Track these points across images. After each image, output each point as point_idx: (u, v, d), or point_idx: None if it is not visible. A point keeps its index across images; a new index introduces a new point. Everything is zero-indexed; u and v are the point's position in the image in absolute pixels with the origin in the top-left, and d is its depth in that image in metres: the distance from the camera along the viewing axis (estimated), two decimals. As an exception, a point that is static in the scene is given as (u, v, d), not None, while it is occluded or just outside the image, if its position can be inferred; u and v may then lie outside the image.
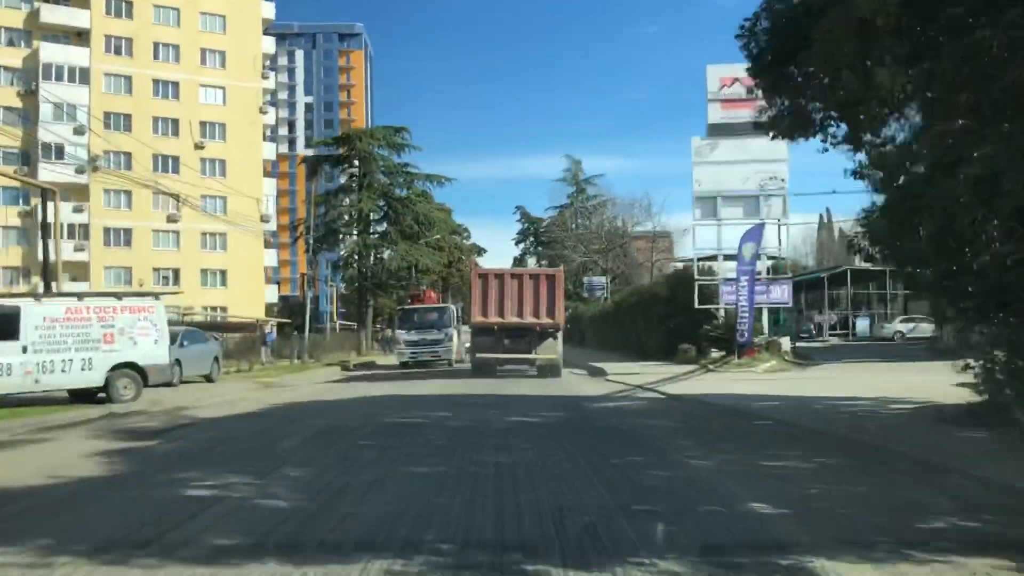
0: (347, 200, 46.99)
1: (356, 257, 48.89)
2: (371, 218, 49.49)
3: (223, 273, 67.01)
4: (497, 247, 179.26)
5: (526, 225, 78.77)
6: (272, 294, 69.63)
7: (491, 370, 24.63)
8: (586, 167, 71.38)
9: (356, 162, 48.37)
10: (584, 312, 57.94)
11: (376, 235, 49.14)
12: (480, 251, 73.34)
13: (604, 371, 24.95)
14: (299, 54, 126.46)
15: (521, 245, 79.32)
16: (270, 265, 69.51)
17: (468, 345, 40.89)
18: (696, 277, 28.55)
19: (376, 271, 48.98)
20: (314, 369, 33.00)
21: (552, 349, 23.95)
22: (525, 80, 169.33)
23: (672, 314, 29.25)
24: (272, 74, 71.91)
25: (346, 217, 48.18)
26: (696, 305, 28.21)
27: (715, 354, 26.37)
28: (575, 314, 64.17)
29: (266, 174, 70.43)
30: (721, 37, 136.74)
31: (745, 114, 28.81)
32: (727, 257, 28.48)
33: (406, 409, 14.70)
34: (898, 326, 46.06)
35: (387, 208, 48.42)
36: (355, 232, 48.38)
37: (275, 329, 45.10)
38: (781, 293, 28.28)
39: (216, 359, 24.33)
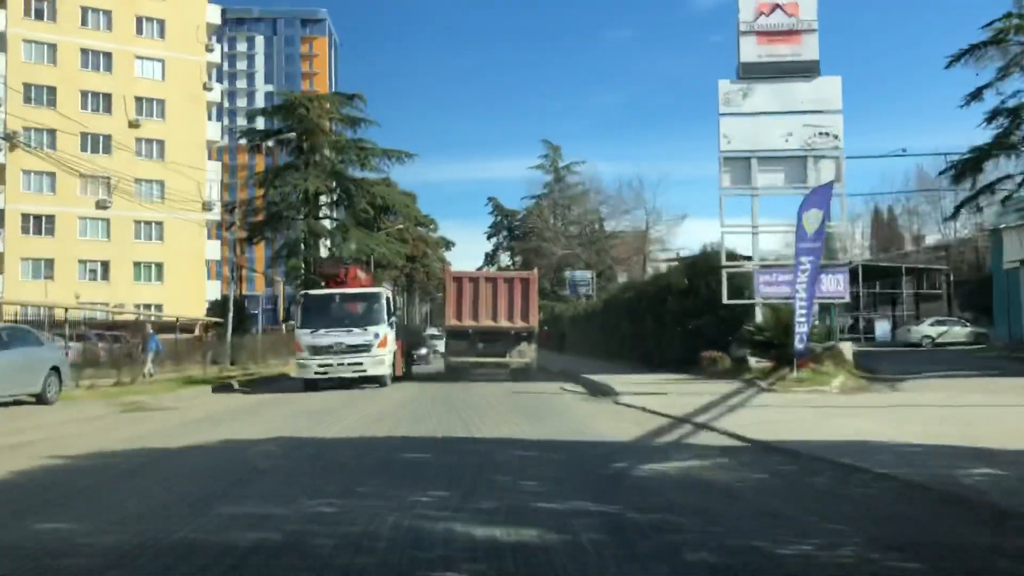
0: (292, 180, 39.63)
1: (302, 246, 41.40)
2: (320, 201, 41.99)
3: (159, 267, 59.22)
4: (467, 240, 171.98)
5: (499, 218, 71.60)
6: (215, 290, 61.79)
7: (465, 374, 24.04)
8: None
9: (302, 135, 40.92)
10: (563, 312, 50.80)
11: (325, 220, 41.62)
12: (448, 244, 66.21)
13: (610, 388, 17.70)
14: (259, 40, 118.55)
15: (493, 240, 72.21)
16: (213, 258, 61.71)
17: (423, 352, 33.23)
18: (724, 263, 21.43)
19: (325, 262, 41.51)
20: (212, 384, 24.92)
21: (526, 353, 23.36)
22: (497, 83, 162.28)
23: (693, 311, 22.12)
24: (218, 46, 64.04)
25: (291, 199, 40.73)
26: (725, 299, 21.17)
27: (755, 363, 19.33)
28: (552, 315, 57.08)
29: (211, 157, 62.84)
30: (698, 40, 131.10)
31: (789, 51, 21.89)
32: (761, 233, 21.57)
33: (279, 490, 7.31)
34: (926, 330, 39.44)
35: (338, 189, 41.02)
36: (300, 216, 40.92)
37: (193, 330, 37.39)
38: (835, 284, 21.26)
39: (56, 370, 16.74)
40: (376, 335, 21.42)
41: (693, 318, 22.06)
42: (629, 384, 18.19)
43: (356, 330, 21.35)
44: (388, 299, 22.72)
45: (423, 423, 12.63)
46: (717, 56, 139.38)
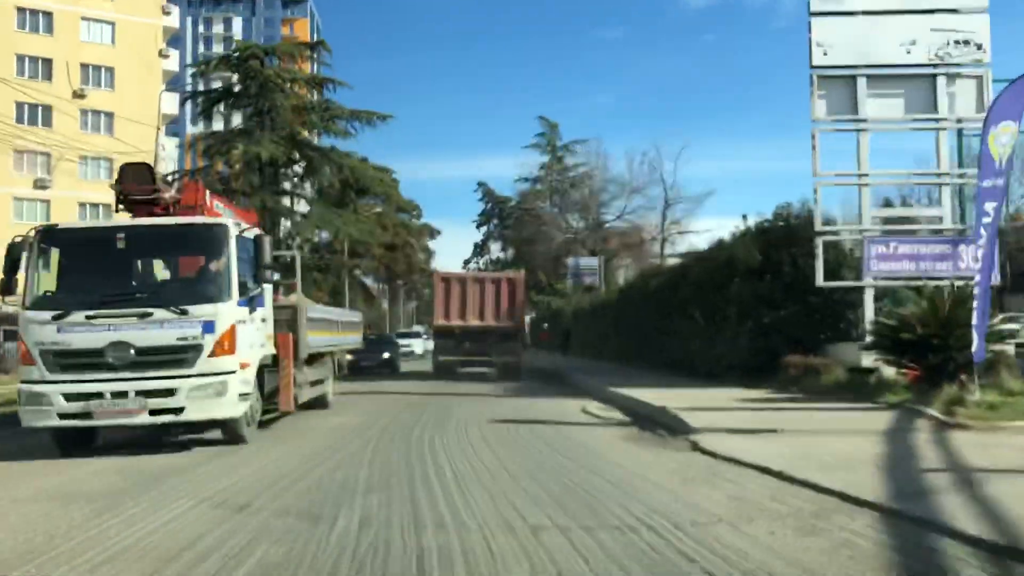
0: (242, 147, 32.62)
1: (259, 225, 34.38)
2: (282, 176, 34.93)
3: (107, 255, 51.96)
4: (455, 231, 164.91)
5: (489, 205, 64.58)
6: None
7: (452, 372, 23.40)
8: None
9: (256, 94, 33.79)
10: (564, 308, 43.83)
11: (280, 193, 34.44)
12: (433, 233, 59.21)
13: (681, 423, 10.53)
14: (237, 21, 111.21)
15: (484, 228, 65.15)
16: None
17: (386, 356, 26.89)
18: (821, 228, 14.48)
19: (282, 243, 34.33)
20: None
21: (513, 352, 22.87)
22: (487, 81, 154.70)
23: (768, 299, 15.21)
24: (176, 8, 56.76)
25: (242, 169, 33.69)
26: (820, 281, 14.27)
27: (889, 374, 12.46)
28: (550, 312, 50.21)
29: (168, 132, 55.76)
30: (690, 40, 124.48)
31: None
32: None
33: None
34: None
35: (298, 157, 33.94)
36: (256, 189, 33.85)
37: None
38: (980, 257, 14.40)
39: None
40: (206, 325, 9.76)
41: (769, 308, 15.14)
42: (690, 407, 11.24)
43: (158, 315, 9.71)
44: (241, 241, 10.40)
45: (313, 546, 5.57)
46: (710, 55, 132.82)
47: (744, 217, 20.30)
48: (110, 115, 52.15)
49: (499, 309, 22.79)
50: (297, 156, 34.86)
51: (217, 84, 40.44)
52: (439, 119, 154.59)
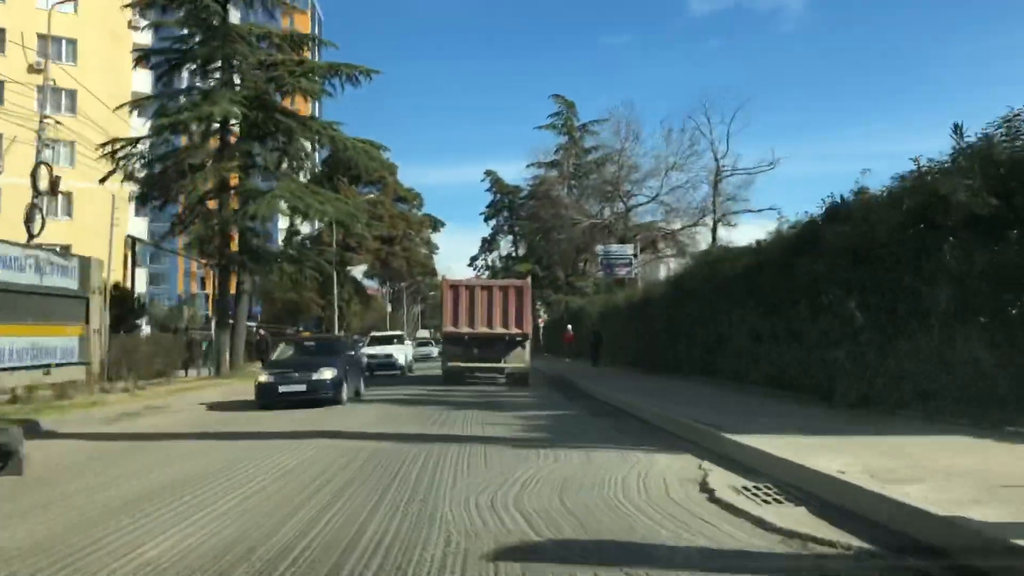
0: (193, 105, 25.84)
1: (218, 206, 27.43)
2: (248, 144, 28.07)
3: (66, 249, 45.22)
4: (460, 230, 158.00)
5: (498, 196, 57.76)
6: (140, 278, 47.92)
7: (461, 378, 23.10)
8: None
9: (213, 47, 27.00)
10: (587, 308, 36.86)
11: (246, 169, 27.57)
12: (436, 225, 52.24)
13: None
14: (234, 13, 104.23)
15: (492, 222, 58.30)
16: (138, 236, 47.71)
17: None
18: None
19: (247, 229, 27.46)
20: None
21: (521, 358, 22.75)
22: (493, 86, 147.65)
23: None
24: (147, -26, 49.99)
25: (195, 135, 26.84)
26: None
27: None
28: (569, 312, 43.21)
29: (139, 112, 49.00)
30: (695, 46, 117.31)
31: None
32: None
33: None
34: None
35: (264, 122, 27.11)
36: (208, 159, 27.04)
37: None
38: None
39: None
40: None
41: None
42: (973, 499, 4.30)
43: None
44: None
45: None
46: (715, 62, 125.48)
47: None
48: (72, 93, 45.51)
49: (507, 316, 22.77)
50: (268, 124, 28.04)
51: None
52: (440, 119, 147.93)
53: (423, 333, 73.03)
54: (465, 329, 22.80)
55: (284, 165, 29.70)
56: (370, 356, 27.48)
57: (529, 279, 26.43)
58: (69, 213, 45.48)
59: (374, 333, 34.06)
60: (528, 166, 47.33)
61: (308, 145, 28.40)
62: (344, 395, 16.28)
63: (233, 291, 29.54)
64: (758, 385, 14.39)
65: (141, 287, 49.92)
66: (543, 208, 43.44)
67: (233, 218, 26.22)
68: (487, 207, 58.31)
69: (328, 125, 30.06)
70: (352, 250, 45.08)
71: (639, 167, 36.20)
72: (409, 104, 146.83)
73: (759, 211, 33.06)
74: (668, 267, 32.85)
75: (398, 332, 30.76)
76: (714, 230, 32.92)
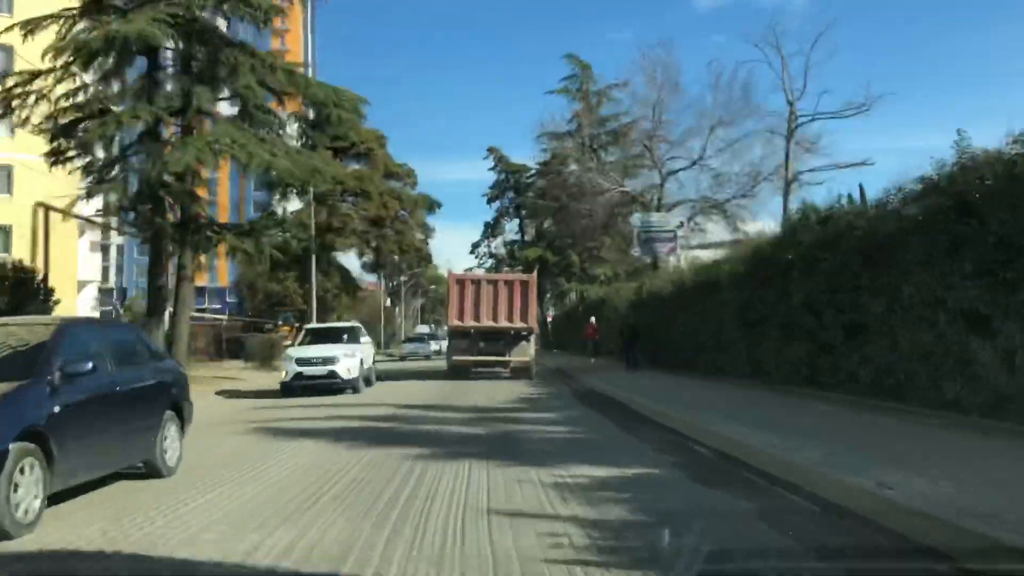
0: (105, 26, 19.42)
1: (145, 155, 20.68)
2: (183, 81, 21.54)
3: (5, 232, 38.87)
4: (463, 229, 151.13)
5: (503, 176, 51.32)
6: (92, 264, 41.61)
7: (466, 373, 22.85)
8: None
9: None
10: (612, 298, 30.53)
11: (177, 113, 20.93)
12: (433, 205, 45.79)
13: None
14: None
15: (496, 204, 51.85)
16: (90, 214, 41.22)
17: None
18: None
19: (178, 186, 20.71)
20: None
21: (526, 351, 22.41)
22: (495, 80, 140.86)
23: None
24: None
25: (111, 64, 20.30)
26: None
27: None
28: (587, 304, 36.92)
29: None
30: (699, 41, 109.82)
31: None
32: None
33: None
34: None
35: (198, 51, 20.57)
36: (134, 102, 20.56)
37: None
38: None
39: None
40: None
41: None
42: None
43: None
44: None
45: None
46: (719, 57, 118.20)
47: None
48: (7, 49, 39.11)
49: (512, 310, 22.44)
50: (205, 55, 21.56)
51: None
52: (437, 113, 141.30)
53: (422, 328, 66.63)
54: (471, 323, 22.38)
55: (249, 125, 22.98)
56: (298, 362, 17.87)
57: (535, 273, 25.46)
58: (8, 190, 39.16)
59: (309, 325, 23.76)
60: (539, 136, 40.69)
61: (260, 89, 21.77)
62: (160, 470, 7.58)
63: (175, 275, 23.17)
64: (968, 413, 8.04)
65: (92, 274, 43.40)
66: (554, 187, 36.76)
67: (154, 171, 19.66)
68: (490, 188, 51.84)
69: (290, 65, 23.55)
70: (336, 231, 38.64)
71: (676, 122, 29.42)
72: (408, 100, 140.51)
73: (849, 166, 26.21)
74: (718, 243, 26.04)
75: (350, 324, 21.83)
76: (786, 193, 26.24)
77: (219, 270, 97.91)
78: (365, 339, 20.73)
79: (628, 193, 29.77)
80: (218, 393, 18.95)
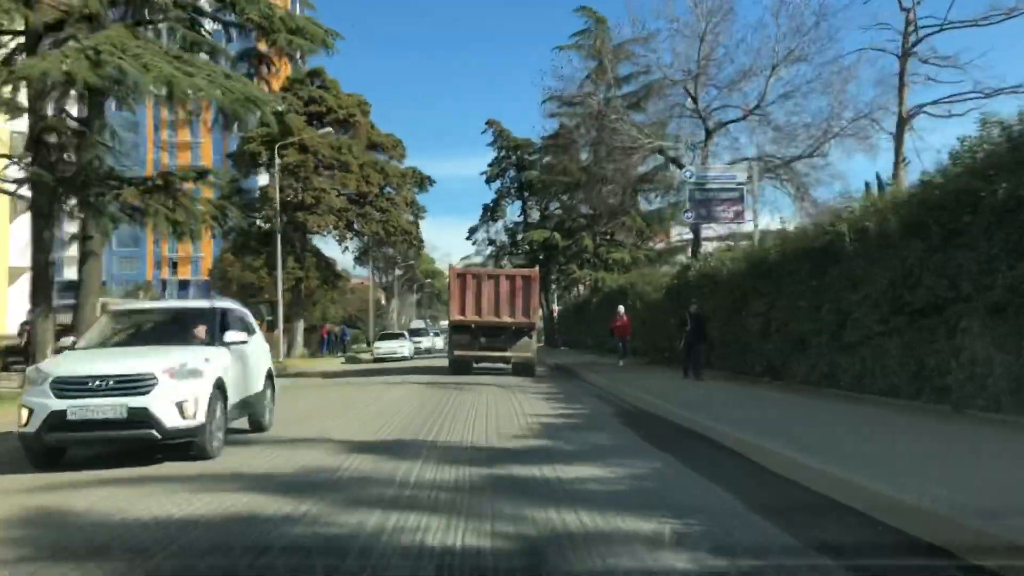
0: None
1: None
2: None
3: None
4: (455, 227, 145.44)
5: (503, 152, 45.41)
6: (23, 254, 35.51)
7: (468, 368, 22.81)
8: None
9: None
10: (635, 286, 24.86)
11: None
12: (424, 181, 39.81)
13: None
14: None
15: (496, 184, 45.90)
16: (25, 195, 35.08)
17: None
18: None
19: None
20: None
21: (527, 347, 22.12)
22: (490, 79, 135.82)
23: None
24: None
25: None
26: None
27: None
28: (603, 293, 31.27)
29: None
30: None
31: None
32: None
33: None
34: None
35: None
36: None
37: None
38: None
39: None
40: None
41: None
42: None
43: None
44: None
45: None
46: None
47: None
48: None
49: (514, 305, 21.96)
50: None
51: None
52: (431, 109, 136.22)
53: (417, 323, 60.91)
54: (472, 318, 22.20)
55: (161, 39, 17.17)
56: (61, 389, 7.68)
57: (537, 268, 24.87)
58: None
59: (117, 307, 11.20)
60: (544, 101, 34.57)
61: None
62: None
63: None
64: None
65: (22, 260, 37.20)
66: (564, 162, 30.48)
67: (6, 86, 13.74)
68: (489, 165, 45.82)
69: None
70: (308, 209, 32.68)
71: (730, 61, 23.03)
72: (410, 94, 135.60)
73: (988, 95, 19.57)
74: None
75: (212, 306, 9.52)
76: (898, 134, 19.78)
77: (203, 262, 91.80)
78: (251, 337, 9.78)
79: (663, 153, 23.69)
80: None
